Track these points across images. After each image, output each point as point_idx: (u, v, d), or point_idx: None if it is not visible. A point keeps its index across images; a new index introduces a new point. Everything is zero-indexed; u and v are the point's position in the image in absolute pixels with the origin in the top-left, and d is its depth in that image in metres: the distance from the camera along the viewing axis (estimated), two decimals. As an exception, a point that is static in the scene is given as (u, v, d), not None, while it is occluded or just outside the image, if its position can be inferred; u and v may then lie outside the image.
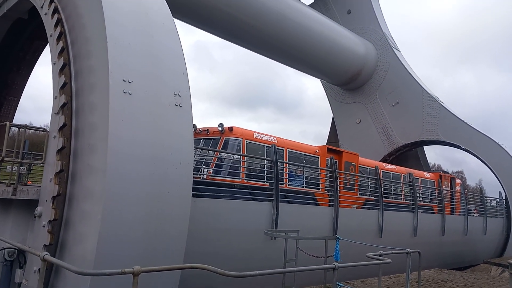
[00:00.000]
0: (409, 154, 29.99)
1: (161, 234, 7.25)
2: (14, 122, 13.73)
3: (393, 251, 7.38)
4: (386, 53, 30.00)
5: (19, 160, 8.11)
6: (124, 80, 7.07)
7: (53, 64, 8.23)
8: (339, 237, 8.14)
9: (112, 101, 6.86)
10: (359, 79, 30.38)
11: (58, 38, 8.19)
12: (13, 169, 8.71)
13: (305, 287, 10.68)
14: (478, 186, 48.29)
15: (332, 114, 33.46)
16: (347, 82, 30.80)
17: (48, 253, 5.18)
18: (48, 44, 8.73)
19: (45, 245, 7.17)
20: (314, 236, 8.79)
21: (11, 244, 7.04)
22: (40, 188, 8.00)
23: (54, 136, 7.79)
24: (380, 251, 7.12)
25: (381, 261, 6.74)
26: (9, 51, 13.59)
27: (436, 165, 46.09)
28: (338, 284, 6.21)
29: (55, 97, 8.01)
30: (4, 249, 7.67)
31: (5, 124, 7.82)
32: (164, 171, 7.31)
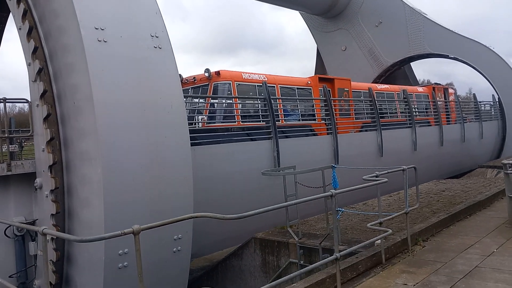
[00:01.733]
0: (397, 74, 29.66)
1: (165, 181, 7.20)
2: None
3: (388, 171, 7.37)
4: (363, -28, 28.75)
5: (6, 135, 7.82)
6: (96, 28, 6.68)
7: (19, 29, 7.73)
8: (335, 166, 8.15)
9: (88, 51, 6.51)
10: (339, 4, 29.32)
11: (19, 1, 7.61)
12: (3, 147, 8.45)
13: (309, 218, 10.91)
14: (469, 95, 48.60)
15: (316, 46, 32.68)
16: (327, 10, 29.75)
17: (46, 227, 5.08)
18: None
19: (52, 214, 7.12)
20: (311, 168, 8.74)
21: (8, 223, 6.98)
22: (35, 160, 7.81)
23: (37, 105, 7.49)
24: (376, 172, 7.13)
25: (378, 182, 6.77)
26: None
27: (426, 81, 45.94)
28: (338, 210, 6.23)
29: (29, 64, 7.60)
30: (12, 225, 7.61)
31: (-17, 100, 7.46)
32: (156, 116, 7.13)
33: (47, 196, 7.26)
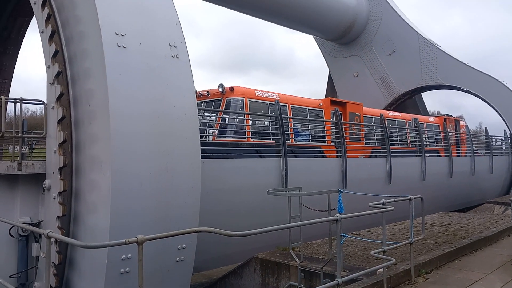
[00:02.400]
0: (408, 103, 29.76)
1: (173, 189, 7.17)
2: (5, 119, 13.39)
3: (395, 199, 7.36)
4: (378, 2, 29.25)
5: (19, 135, 7.88)
6: (116, 34, 6.79)
7: (41, 32, 7.86)
8: (341, 190, 8.12)
9: (107, 55, 6.60)
10: (353, 31, 29.71)
11: (43, 5, 7.78)
12: (15, 148, 8.49)
13: (312, 241, 10.76)
14: (478, 129, 48.38)
15: (327, 70, 32.98)
16: (341, 36, 30.14)
17: (51, 230, 5.06)
18: (32, 20, 8.31)
19: (58, 217, 7.08)
20: (317, 191, 8.70)
21: (12, 224, 6.96)
22: (45, 162, 7.83)
23: (53, 107, 7.56)
24: (383, 199, 7.13)
25: (384, 209, 6.74)
26: (-8, 31, 13.10)
27: (436, 112, 45.90)
28: (342, 235, 6.19)
29: (48, 67, 7.70)
30: (18, 226, 7.57)
31: (0, 98, 7.55)
32: (169, 125, 7.16)
33: (54, 198, 7.23)
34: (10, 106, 8.07)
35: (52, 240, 7.12)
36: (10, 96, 15.02)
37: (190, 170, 7.43)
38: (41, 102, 7.96)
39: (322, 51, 32.88)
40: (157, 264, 6.97)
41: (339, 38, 30.41)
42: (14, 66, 14.36)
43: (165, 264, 7.13)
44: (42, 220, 7.86)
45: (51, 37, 7.60)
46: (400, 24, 28.35)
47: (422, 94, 30.75)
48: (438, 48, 26.86)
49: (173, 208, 7.18)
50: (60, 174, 7.17)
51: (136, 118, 6.81)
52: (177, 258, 7.27)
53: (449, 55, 26.42)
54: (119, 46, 6.77)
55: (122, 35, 6.85)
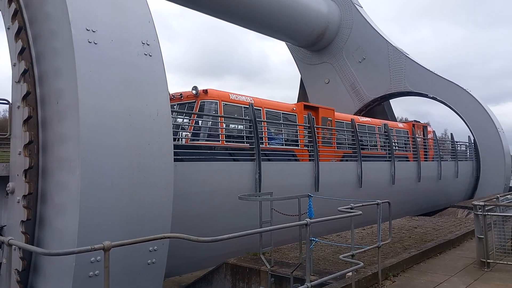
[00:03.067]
0: (376, 109, 30.41)
1: (145, 188, 7.02)
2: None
3: (363, 204, 7.50)
4: (349, 10, 29.80)
5: (-18, 135, 7.50)
6: (87, 29, 6.61)
7: (7, 29, 7.55)
8: (311, 195, 8.22)
9: (77, 51, 6.40)
10: (324, 39, 30.16)
11: (10, 1, 7.47)
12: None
13: (283, 245, 10.80)
14: (444, 135, 50.06)
15: (299, 76, 33.31)
16: (313, 43, 30.54)
17: (12, 238, 4.80)
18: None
19: (22, 221, 6.77)
20: (287, 196, 8.77)
21: None
22: (8, 164, 7.48)
23: (18, 106, 7.24)
24: (351, 204, 7.26)
25: (352, 214, 6.87)
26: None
27: (404, 119, 47.19)
28: (312, 239, 6.29)
29: (13, 65, 7.39)
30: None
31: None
32: (141, 123, 7.01)
33: (18, 202, 6.91)
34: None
35: (14, 247, 6.90)
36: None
37: (163, 169, 7.29)
38: (5, 101, 7.62)
39: (295, 57, 33.20)
40: (128, 266, 6.77)
41: (311, 45, 30.81)
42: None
43: (136, 267, 6.94)
44: (5, 225, 7.49)
45: (17, 33, 7.30)
46: (370, 32, 29.02)
47: (391, 101, 31.55)
48: (406, 56, 27.65)
49: (145, 208, 7.01)
50: (25, 177, 6.87)
51: (107, 116, 6.62)
52: (149, 261, 7.09)
53: (417, 63, 27.25)
54: (90, 42, 6.59)
55: (94, 31, 6.67)
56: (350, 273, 6.99)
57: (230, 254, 10.02)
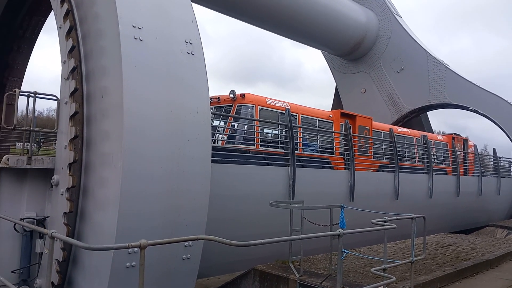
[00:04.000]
0: (413, 121, 29.64)
1: (184, 181, 7.10)
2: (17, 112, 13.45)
3: (397, 217, 7.39)
4: (388, 20, 29.37)
5: (31, 128, 7.83)
6: (134, 26, 6.80)
7: (59, 28, 7.90)
8: (344, 206, 8.09)
9: (123, 46, 6.59)
10: (362, 48, 29.81)
11: (62, 1, 7.81)
12: (25, 144, 8.42)
13: (312, 255, 10.62)
14: (484, 151, 48.13)
15: (333, 85, 33.05)
16: (350, 52, 30.24)
17: (55, 231, 5.05)
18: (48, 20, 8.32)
19: (65, 213, 6.98)
20: (319, 205, 8.65)
21: (14, 222, 6.90)
22: (54, 157, 7.76)
23: (66, 102, 7.53)
24: (385, 217, 7.15)
25: (386, 227, 6.74)
26: (8, 29, 13.12)
27: (441, 132, 45.81)
28: (343, 251, 6.24)
29: (63, 62, 7.71)
30: (23, 219, 7.47)
31: (14, 91, 7.53)
32: (182, 119, 7.11)
33: (62, 194, 7.14)
34: (21, 104, 8.02)
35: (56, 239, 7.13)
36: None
37: (201, 165, 7.36)
38: (54, 97, 7.93)
39: (330, 66, 32.97)
40: (163, 260, 6.85)
41: (348, 54, 30.51)
42: (26, 65, 14.38)
43: (172, 261, 7.02)
44: (48, 216, 7.75)
45: (68, 32, 7.61)
46: (409, 42, 28.44)
47: (428, 113, 30.71)
48: (446, 67, 26.88)
49: (183, 200, 7.09)
50: (70, 170, 7.08)
51: (150, 111, 6.76)
52: (184, 256, 7.16)
53: (458, 75, 26.41)
54: (136, 39, 6.78)
55: (139, 28, 6.86)
56: (381, 287, 6.82)
57: (259, 259, 9.95)
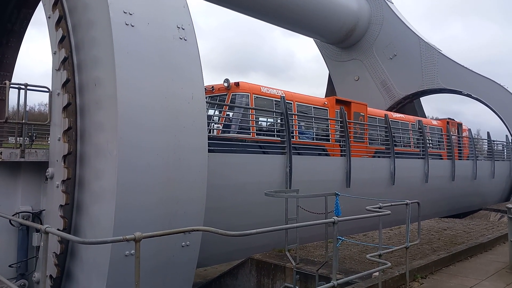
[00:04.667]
0: (407, 108, 29.70)
1: (181, 170, 7.06)
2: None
3: (392, 203, 7.41)
4: (379, 6, 29.25)
5: (23, 121, 7.69)
6: (125, 12, 6.68)
7: (48, 18, 7.73)
8: (338, 193, 8.10)
9: (115, 33, 6.48)
10: (354, 35, 29.70)
11: (51, -11, 7.63)
12: (17, 138, 8.28)
13: (308, 243, 10.64)
14: (477, 135, 48.43)
15: (326, 74, 32.98)
16: (342, 40, 30.12)
17: (49, 226, 5.00)
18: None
19: (61, 206, 6.89)
20: (314, 194, 8.67)
21: (8, 218, 6.83)
22: (48, 150, 7.65)
23: (58, 94, 7.39)
24: (380, 203, 7.18)
25: (380, 213, 6.77)
26: (-4, 23, 12.90)
27: (434, 118, 45.99)
28: (339, 238, 6.24)
29: (54, 53, 7.56)
30: (18, 213, 7.39)
31: (5, 83, 7.38)
32: (177, 106, 7.04)
33: (57, 187, 7.04)
34: (12, 98, 7.84)
35: (51, 232, 7.04)
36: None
37: (197, 152, 7.31)
38: (46, 89, 7.79)
39: (323, 54, 32.85)
40: (163, 249, 6.82)
41: (340, 42, 30.40)
42: (15, 59, 14.15)
43: (171, 249, 6.99)
44: (44, 210, 7.66)
45: (58, 22, 7.45)
46: (401, 28, 28.37)
47: (421, 100, 30.78)
48: (439, 52, 26.87)
49: (180, 189, 7.04)
50: (64, 162, 6.98)
51: (144, 100, 6.68)
52: (183, 243, 7.15)
53: (450, 59, 26.43)
54: (127, 25, 6.67)
55: (131, 14, 6.75)
56: (377, 273, 6.90)
57: (256, 248, 9.98)
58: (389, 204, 7.30)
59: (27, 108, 8.14)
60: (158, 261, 6.88)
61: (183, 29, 7.40)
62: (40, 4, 12.62)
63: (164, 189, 6.86)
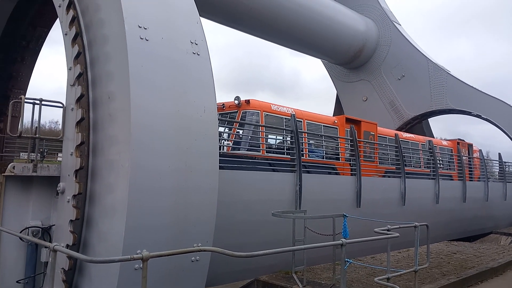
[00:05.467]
0: (415, 128, 29.55)
1: (192, 185, 7.04)
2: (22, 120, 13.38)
3: (400, 225, 7.40)
4: (387, 28, 29.50)
5: (37, 136, 7.74)
6: (139, 26, 6.80)
7: (65, 34, 7.87)
8: (346, 215, 8.04)
9: (130, 46, 6.58)
10: (362, 56, 29.89)
11: (68, 7, 7.80)
12: (30, 154, 8.31)
13: (315, 265, 10.45)
14: (487, 157, 47.88)
15: (333, 93, 33.14)
16: (350, 61, 30.31)
17: (57, 244, 5.11)
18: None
19: (71, 221, 6.86)
20: (322, 215, 8.60)
21: (15, 235, 6.81)
22: (60, 165, 7.66)
23: (72, 109, 7.46)
24: (388, 226, 7.15)
25: (388, 236, 6.74)
26: (11, 40, 13.12)
27: (443, 139, 45.73)
28: (347, 260, 6.25)
29: (69, 69, 7.67)
30: (28, 228, 7.36)
31: (20, 98, 7.46)
32: (189, 118, 7.07)
33: (68, 201, 7.03)
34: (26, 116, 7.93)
35: (63, 244, 6.98)
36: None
37: (209, 164, 7.30)
38: (60, 104, 7.87)
39: (331, 75, 33.04)
40: (172, 263, 6.73)
41: (348, 63, 30.59)
42: (30, 77, 14.34)
43: (180, 263, 6.91)
44: (54, 225, 7.62)
45: (74, 39, 7.59)
46: (409, 49, 28.54)
47: (429, 120, 30.67)
48: (447, 72, 26.89)
49: (191, 200, 7.00)
50: (76, 177, 6.99)
51: (157, 113, 6.70)
52: (193, 258, 7.07)
53: (459, 80, 26.41)
54: (142, 39, 6.77)
55: (145, 28, 6.87)
56: None
57: (264, 267, 9.79)
58: (398, 226, 7.24)
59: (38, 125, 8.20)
60: (168, 275, 6.79)
61: (196, 44, 7.51)
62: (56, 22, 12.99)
63: (175, 198, 6.83)
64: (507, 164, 23.70)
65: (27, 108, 7.98)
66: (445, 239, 17.08)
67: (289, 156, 11.50)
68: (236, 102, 12.31)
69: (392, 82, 29.10)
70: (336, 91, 32.95)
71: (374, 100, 29.90)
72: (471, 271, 10.04)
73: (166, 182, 6.69)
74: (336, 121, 14.75)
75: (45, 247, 7.44)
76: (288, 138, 11.77)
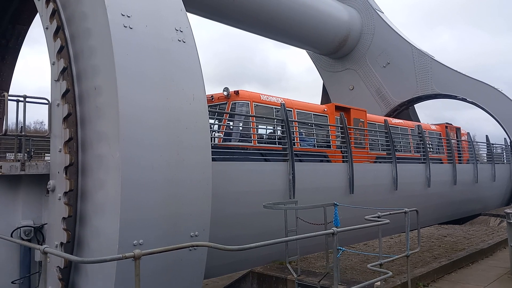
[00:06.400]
0: (401, 115, 29.75)
1: (185, 171, 6.94)
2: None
3: (390, 212, 7.48)
4: (370, 16, 29.59)
5: (23, 133, 7.53)
6: (123, 14, 6.64)
7: (46, 29, 7.64)
8: (337, 203, 8.06)
9: (114, 35, 6.42)
10: (346, 45, 29.95)
11: (48, 1, 7.57)
12: (17, 154, 8.09)
13: (309, 254, 10.46)
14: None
15: (320, 84, 33.17)
16: (335, 51, 30.36)
17: (47, 246, 5.03)
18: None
19: (64, 218, 6.69)
20: (313, 205, 8.65)
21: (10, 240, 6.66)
22: (49, 162, 7.47)
23: (58, 104, 7.25)
24: (378, 213, 7.24)
25: (379, 223, 6.80)
26: (-10, 40, 12.81)
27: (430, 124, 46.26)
28: (339, 248, 6.25)
29: (52, 63, 7.45)
30: (19, 228, 7.17)
31: (3, 95, 7.24)
32: (178, 107, 6.94)
33: (59, 199, 6.85)
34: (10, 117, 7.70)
35: (57, 242, 6.83)
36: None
37: (201, 152, 7.19)
38: (45, 100, 7.66)
39: (316, 65, 33.04)
40: (170, 254, 6.60)
41: (333, 53, 30.63)
42: (11, 76, 14.00)
43: (178, 253, 6.74)
44: (46, 223, 7.44)
45: (55, 32, 7.37)
46: (393, 37, 28.68)
47: (415, 107, 30.93)
48: (432, 58, 27.11)
49: (184, 190, 6.90)
50: (66, 174, 6.82)
51: (145, 103, 6.57)
52: (190, 248, 6.91)
53: (443, 65, 26.65)
54: (126, 27, 6.61)
55: (129, 16, 6.72)
56: (378, 283, 6.85)
57: (258, 258, 9.78)
58: (388, 213, 7.31)
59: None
60: (166, 265, 6.71)
61: (181, 31, 7.38)
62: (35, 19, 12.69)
63: (168, 189, 6.73)
64: (494, 145, 24.05)
65: (11, 108, 7.75)
66: (436, 223, 17.28)
67: (281, 146, 11.45)
68: (225, 93, 12.20)
69: (378, 70, 29.25)
70: (322, 82, 32.97)
71: (361, 88, 30.02)
72: (462, 253, 10.18)
73: (158, 170, 6.57)
74: (326, 109, 14.74)
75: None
76: (279, 128, 11.71)
